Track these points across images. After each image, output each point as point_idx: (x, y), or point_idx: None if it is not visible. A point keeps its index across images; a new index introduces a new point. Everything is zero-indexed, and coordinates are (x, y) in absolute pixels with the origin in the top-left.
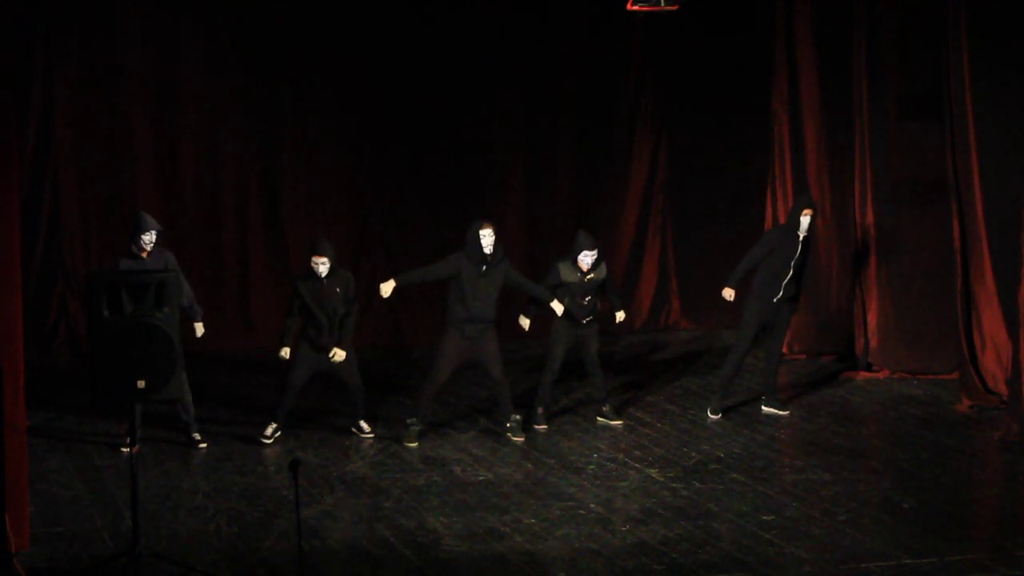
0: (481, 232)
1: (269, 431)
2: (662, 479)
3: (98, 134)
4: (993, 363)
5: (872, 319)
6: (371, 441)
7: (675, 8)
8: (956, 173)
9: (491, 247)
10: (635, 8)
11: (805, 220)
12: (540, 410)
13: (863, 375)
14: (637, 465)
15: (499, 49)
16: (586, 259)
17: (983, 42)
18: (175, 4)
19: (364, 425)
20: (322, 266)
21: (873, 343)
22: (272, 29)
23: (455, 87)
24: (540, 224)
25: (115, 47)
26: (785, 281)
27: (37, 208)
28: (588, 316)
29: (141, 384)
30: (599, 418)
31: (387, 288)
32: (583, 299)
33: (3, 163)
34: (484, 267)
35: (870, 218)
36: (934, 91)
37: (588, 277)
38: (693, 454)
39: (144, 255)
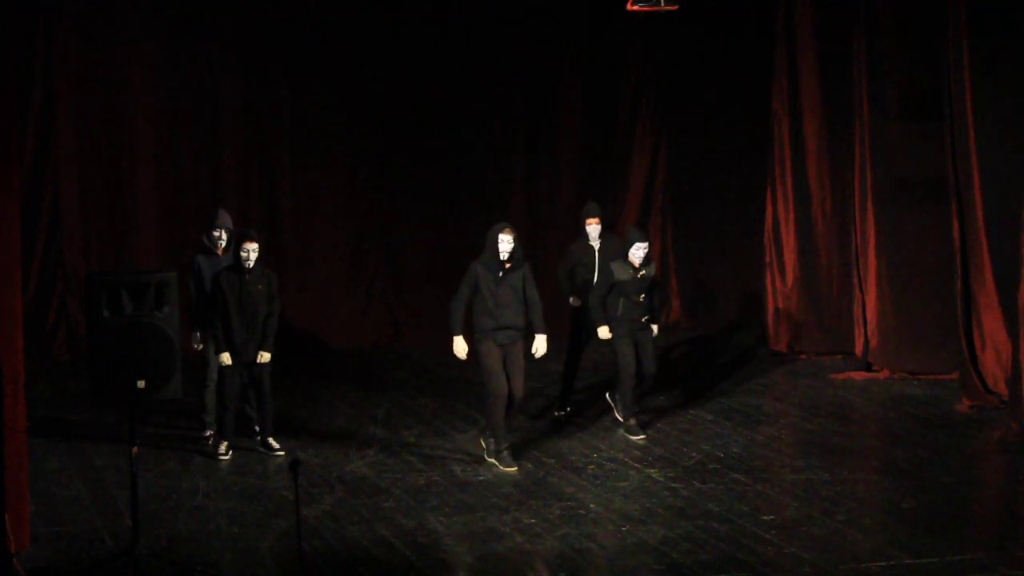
0: (500, 237)
1: (223, 448)
2: (662, 479)
3: (98, 135)
4: (993, 363)
5: (872, 319)
6: (370, 441)
7: (675, 8)
8: (956, 173)
9: (508, 253)
10: (635, 8)
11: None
12: (632, 421)
13: (863, 375)
14: (637, 465)
15: (499, 49)
16: (638, 252)
17: (983, 41)
18: (175, 4)
19: (273, 442)
20: (253, 253)
21: (873, 343)
22: (272, 29)
23: (455, 87)
24: (540, 224)
25: (115, 47)
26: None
27: (37, 208)
28: (645, 315)
29: (141, 384)
30: (632, 436)
31: (461, 349)
32: (638, 297)
33: (3, 163)
34: (500, 273)
35: (870, 218)
36: (934, 91)
37: (641, 273)
38: (693, 454)
39: (219, 252)
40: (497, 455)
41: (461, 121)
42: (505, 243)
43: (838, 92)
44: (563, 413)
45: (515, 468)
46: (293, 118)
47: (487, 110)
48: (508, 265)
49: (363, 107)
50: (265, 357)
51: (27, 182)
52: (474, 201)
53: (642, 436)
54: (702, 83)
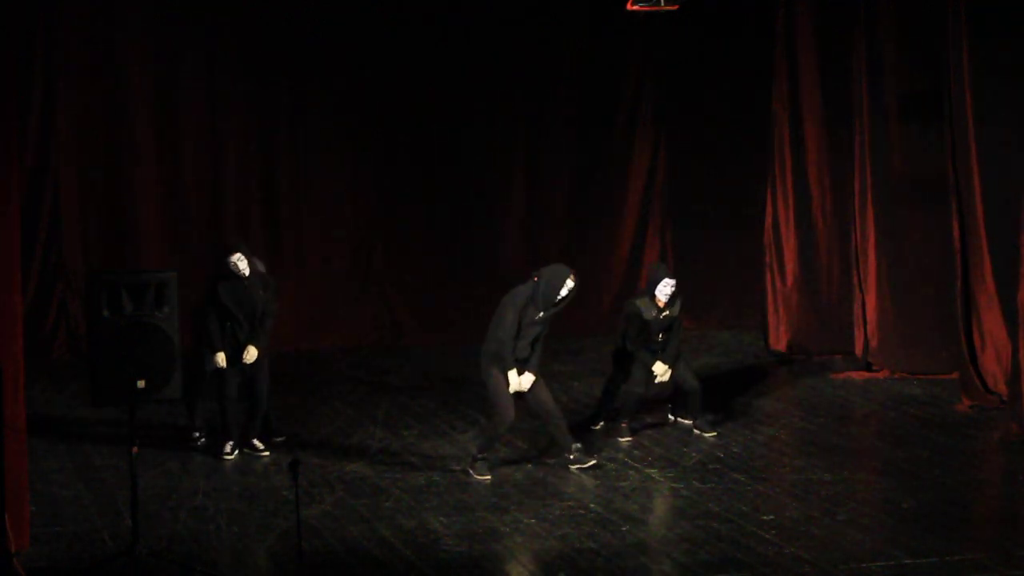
0: (568, 280)
1: (228, 448)
2: (662, 479)
3: (98, 133)
4: (993, 363)
5: (872, 319)
6: (371, 441)
7: (675, 8)
8: (956, 173)
9: (565, 295)
10: (635, 8)
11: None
12: (624, 424)
13: (863, 375)
14: (637, 465)
15: (499, 49)
16: (665, 289)
17: (983, 42)
18: (176, 4)
19: (258, 443)
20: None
21: (873, 343)
22: (272, 28)
23: (455, 87)
24: (540, 225)
25: (115, 47)
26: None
27: (37, 208)
28: (660, 351)
29: (141, 384)
30: (619, 437)
31: (527, 381)
32: (656, 336)
33: (3, 163)
34: (543, 312)
35: (870, 218)
36: (934, 91)
37: (665, 314)
38: (693, 454)
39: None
40: (473, 462)
41: (461, 121)
42: (568, 288)
43: (838, 92)
44: (598, 427)
45: (488, 477)
46: (293, 118)
47: (487, 110)
48: (555, 307)
49: (363, 107)
50: (251, 352)
51: (27, 182)
52: (474, 201)
53: (629, 438)
54: (702, 83)
